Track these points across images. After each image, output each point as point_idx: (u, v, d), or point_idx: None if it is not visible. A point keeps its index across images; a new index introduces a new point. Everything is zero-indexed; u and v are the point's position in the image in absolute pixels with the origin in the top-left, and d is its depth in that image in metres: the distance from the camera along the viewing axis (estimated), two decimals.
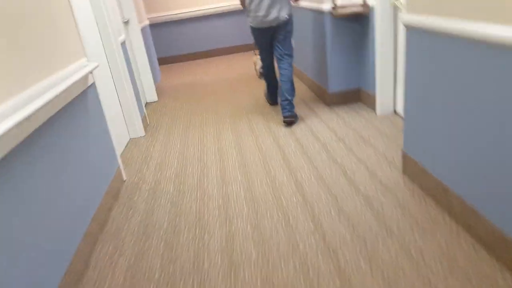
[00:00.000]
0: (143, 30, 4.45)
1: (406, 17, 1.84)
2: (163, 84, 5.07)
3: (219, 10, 6.24)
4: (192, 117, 3.56)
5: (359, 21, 3.06)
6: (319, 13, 3.20)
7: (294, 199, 2.04)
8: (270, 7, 2.94)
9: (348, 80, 3.26)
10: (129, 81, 3.10)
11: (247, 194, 2.15)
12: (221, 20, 6.35)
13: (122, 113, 3.12)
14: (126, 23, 3.95)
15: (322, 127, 2.90)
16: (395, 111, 2.99)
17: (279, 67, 3.16)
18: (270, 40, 3.15)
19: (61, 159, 1.70)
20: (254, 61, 5.05)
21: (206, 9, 6.26)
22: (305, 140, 2.71)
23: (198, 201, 2.16)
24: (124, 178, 2.52)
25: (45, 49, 1.70)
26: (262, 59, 3.37)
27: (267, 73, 3.43)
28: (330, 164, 2.33)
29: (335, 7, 2.95)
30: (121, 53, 3.00)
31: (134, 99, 3.14)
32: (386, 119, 2.89)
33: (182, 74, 5.51)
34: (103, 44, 2.90)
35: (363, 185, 2.08)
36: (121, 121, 3.09)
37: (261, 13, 2.97)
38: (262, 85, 4.31)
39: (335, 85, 3.25)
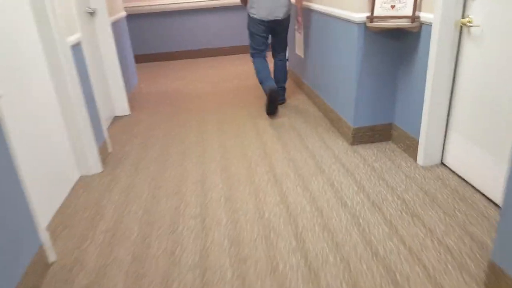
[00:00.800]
0: (116, 23, 3.58)
1: None
2: (140, 89, 4.19)
3: (214, 4, 5.37)
4: (171, 144, 2.72)
5: (403, 39, 2.27)
6: (346, 22, 2.40)
7: None
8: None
9: (378, 113, 2.47)
10: (81, 97, 2.23)
11: None
12: (216, 15, 5.49)
13: (70, 142, 2.28)
14: (91, 14, 3.08)
15: (347, 181, 2.11)
16: (442, 162, 2.24)
17: (276, 59, 3.31)
18: (268, 35, 3.13)
19: None
20: None
21: (199, 1, 5.41)
22: (325, 204, 1.91)
23: None
24: (52, 259, 1.66)
25: None
26: (257, 54, 3.17)
27: (263, 70, 3.13)
28: (368, 257, 1.53)
29: (371, 18, 2.16)
30: (71, 59, 2.13)
31: (87, 121, 2.27)
32: (432, 174, 2.12)
33: (165, 78, 4.65)
34: (43, 47, 2.04)
35: None
36: (67, 153, 2.23)
37: (269, 4, 2.94)
38: (263, 100, 3.51)
39: (361, 118, 2.46)
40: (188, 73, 4.82)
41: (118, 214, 1.94)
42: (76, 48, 2.29)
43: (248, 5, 3.03)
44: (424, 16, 2.03)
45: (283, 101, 3.40)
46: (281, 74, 3.30)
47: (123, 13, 3.88)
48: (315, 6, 2.97)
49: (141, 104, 3.69)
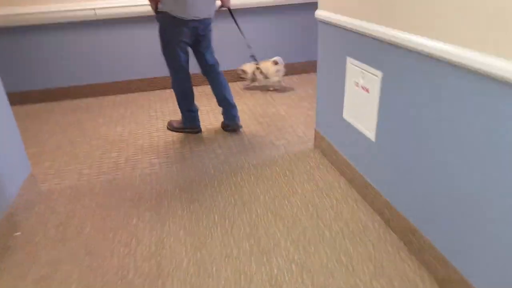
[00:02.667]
0: None
1: None
2: (36, 188, 2.10)
3: (138, 11, 3.26)
4: None
5: None
6: None
7: None
8: None
9: None
10: None
11: None
12: (144, 28, 3.50)
13: None
14: None
15: None
16: None
17: (218, 76, 2.58)
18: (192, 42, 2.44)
19: None
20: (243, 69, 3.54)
21: (116, 6, 3.31)
22: None
23: None
24: None
25: None
26: (181, 68, 2.46)
27: (187, 87, 2.55)
28: None
29: None
30: None
31: None
32: None
33: (87, 142, 2.61)
34: None
35: None
36: None
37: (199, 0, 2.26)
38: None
39: None
40: (126, 125, 2.85)
41: None
42: None
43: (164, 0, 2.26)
44: None
45: (239, 127, 2.72)
46: (227, 91, 2.61)
47: None
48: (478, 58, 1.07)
49: (29, 235, 1.69)
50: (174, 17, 2.26)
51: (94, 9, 3.25)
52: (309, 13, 3.69)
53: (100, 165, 2.36)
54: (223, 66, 2.65)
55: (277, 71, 3.37)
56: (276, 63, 3.36)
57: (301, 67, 3.88)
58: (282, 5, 3.60)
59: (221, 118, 2.76)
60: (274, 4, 3.58)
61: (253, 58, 3.19)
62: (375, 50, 1.58)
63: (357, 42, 1.72)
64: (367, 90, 1.68)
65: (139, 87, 3.64)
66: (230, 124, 2.68)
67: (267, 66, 3.38)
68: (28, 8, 3.15)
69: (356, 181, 1.92)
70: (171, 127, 2.78)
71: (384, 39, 1.48)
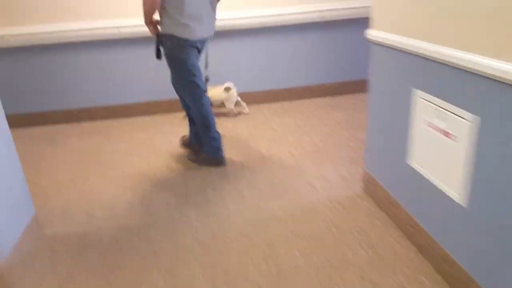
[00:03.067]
0: None
1: None
2: (40, 235, 1.80)
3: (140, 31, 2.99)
4: None
5: None
6: None
7: None
8: (211, 10, 2.14)
9: None
10: None
11: None
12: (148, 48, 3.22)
13: None
14: None
15: None
16: None
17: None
18: None
19: None
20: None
21: (142, 25, 3.05)
22: None
23: None
24: None
25: None
26: (202, 92, 2.23)
27: (210, 112, 2.27)
28: None
29: None
30: None
31: None
32: None
33: (83, 171, 2.28)
34: None
35: None
36: None
37: (207, 17, 2.11)
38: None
39: None
40: (144, 153, 2.49)
41: None
42: None
43: (171, 20, 2.01)
44: None
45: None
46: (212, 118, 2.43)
47: None
48: None
49: None
50: (184, 39, 2.05)
51: (118, 27, 3.04)
52: (340, 30, 3.34)
53: (112, 205, 2.05)
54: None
55: (229, 98, 3.09)
56: (228, 89, 3.07)
57: (333, 88, 3.50)
58: (312, 22, 3.25)
59: (244, 147, 2.42)
60: (304, 22, 3.24)
61: (206, 80, 2.87)
62: (466, 86, 1.18)
63: (433, 73, 1.32)
64: (446, 134, 1.28)
65: (162, 108, 3.36)
66: (195, 144, 2.49)
67: (217, 93, 3.07)
68: (50, 27, 3.00)
69: (429, 249, 1.48)
70: (191, 158, 2.47)
71: (484, 73, 1.08)
